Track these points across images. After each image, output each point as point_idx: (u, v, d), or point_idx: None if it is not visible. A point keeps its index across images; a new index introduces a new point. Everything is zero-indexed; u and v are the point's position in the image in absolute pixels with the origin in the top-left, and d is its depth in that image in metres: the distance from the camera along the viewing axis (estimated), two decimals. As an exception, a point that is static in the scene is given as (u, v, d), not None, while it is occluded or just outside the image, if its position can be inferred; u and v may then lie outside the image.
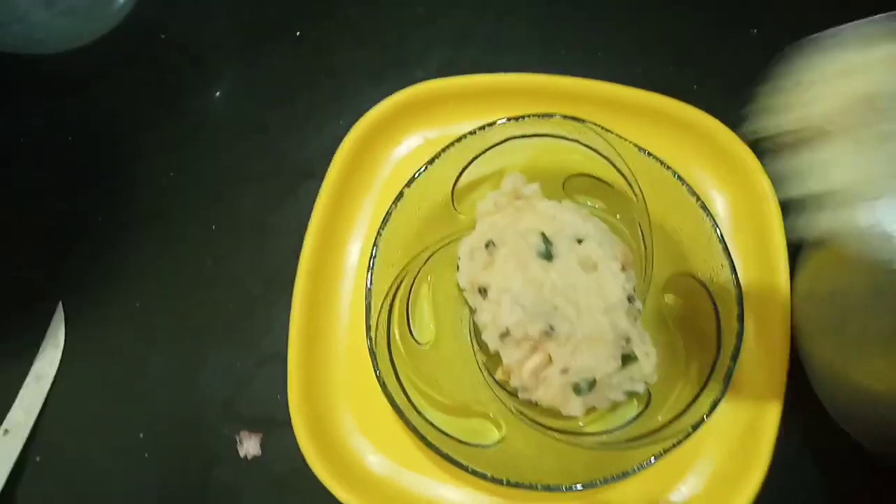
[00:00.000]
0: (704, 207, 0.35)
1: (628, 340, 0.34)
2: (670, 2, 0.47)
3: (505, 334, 0.35)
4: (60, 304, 0.44)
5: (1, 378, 0.43)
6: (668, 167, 0.36)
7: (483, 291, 0.36)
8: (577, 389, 0.34)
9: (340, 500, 0.37)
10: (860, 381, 0.31)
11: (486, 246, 0.37)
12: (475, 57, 0.47)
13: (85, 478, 0.41)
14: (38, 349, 0.43)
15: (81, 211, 0.46)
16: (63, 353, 0.43)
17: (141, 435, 0.42)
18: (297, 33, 0.49)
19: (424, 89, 0.42)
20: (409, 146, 0.43)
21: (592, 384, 0.34)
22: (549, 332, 0.34)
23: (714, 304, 0.35)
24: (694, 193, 0.36)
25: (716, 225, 0.35)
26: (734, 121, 0.40)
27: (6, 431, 0.41)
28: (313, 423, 0.38)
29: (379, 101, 0.43)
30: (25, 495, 0.41)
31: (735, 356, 0.33)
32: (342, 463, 0.38)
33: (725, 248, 0.35)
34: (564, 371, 0.34)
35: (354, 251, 0.42)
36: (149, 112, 0.48)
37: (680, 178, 0.36)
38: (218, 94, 0.48)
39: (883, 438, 0.33)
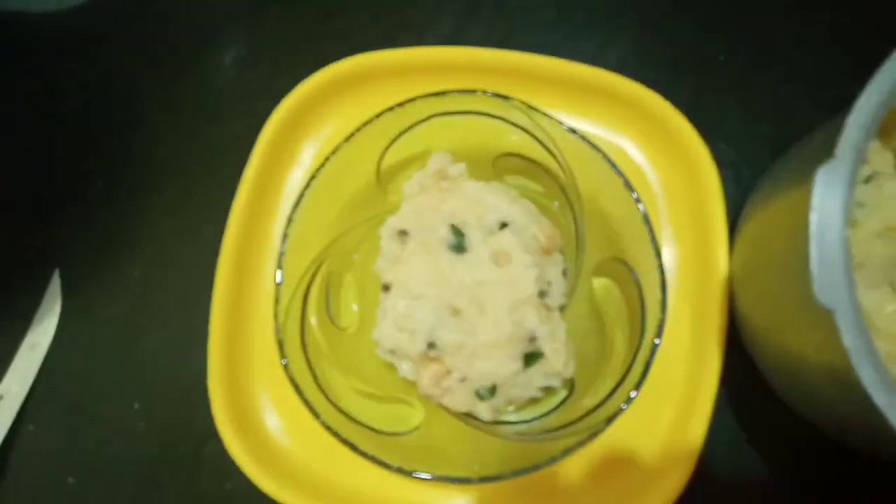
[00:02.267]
0: (629, 185, 0.33)
1: (534, 339, 0.33)
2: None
3: (392, 351, 0.34)
4: (57, 271, 0.43)
5: None
6: (594, 146, 0.34)
7: (386, 288, 0.35)
8: (479, 396, 0.33)
9: (259, 485, 0.36)
10: (798, 351, 0.30)
11: (399, 235, 0.35)
12: (489, 23, 0.44)
13: (79, 447, 0.41)
14: (33, 317, 0.43)
15: (80, 177, 0.45)
16: (59, 322, 0.43)
17: (136, 406, 0.41)
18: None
19: (353, 64, 0.40)
20: (338, 125, 0.42)
21: (493, 390, 0.33)
22: (431, 349, 0.33)
23: (640, 290, 0.34)
24: (621, 174, 0.34)
25: (639, 202, 0.33)
26: (670, 94, 0.38)
27: (0, 398, 0.41)
28: (232, 405, 0.38)
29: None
30: (19, 464, 0.41)
31: (655, 347, 0.32)
32: (262, 448, 0.38)
33: (650, 229, 0.33)
34: (463, 379, 0.33)
35: (278, 233, 0.41)
36: (151, 76, 0.46)
37: (605, 156, 0.34)
38: (225, 59, 0.46)
39: (820, 409, 0.31)
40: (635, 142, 0.39)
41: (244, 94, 0.45)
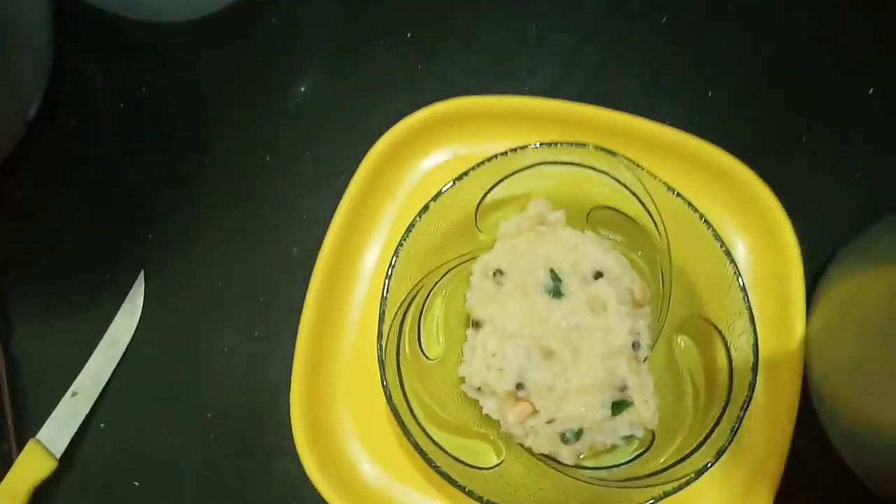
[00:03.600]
0: (728, 254, 0.35)
1: (624, 388, 0.34)
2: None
3: (479, 388, 0.36)
4: (142, 271, 0.44)
5: (75, 339, 0.43)
6: (696, 209, 0.36)
7: (476, 325, 0.36)
8: (564, 439, 0.34)
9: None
10: (881, 418, 0.31)
11: (494, 275, 0.37)
12: (586, 80, 0.45)
13: (147, 450, 0.41)
14: (114, 314, 0.43)
15: (172, 182, 0.46)
16: (139, 322, 0.43)
17: (209, 415, 0.41)
18: (408, 34, 0.47)
19: (459, 104, 0.42)
20: (437, 160, 0.43)
21: (579, 434, 0.34)
22: (520, 389, 0.34)
23: (728, 350, 0.35)
24: (718, 238, 0.35)
25: (738, 272, 0.35)
26: (763, 171, 0.40)
27: (74, 394, 0.41)
28: (311, 422, 0.38)
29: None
30: (86, 462, 0.42)
31: (745, 406, 0.33)
32: (336, 467, 0.38)
33: (746, 296, 0.34)
34: (550, 421, 0.34)
35: (371, 259, 0.42)
36: (250, 92, 0.47)
37: (706, 221, 0.36)
38: (319, 79, 0.47)
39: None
40: (721, 208, 0.41)
41: (341, 124, 0.46)
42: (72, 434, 0.41)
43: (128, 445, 0.42)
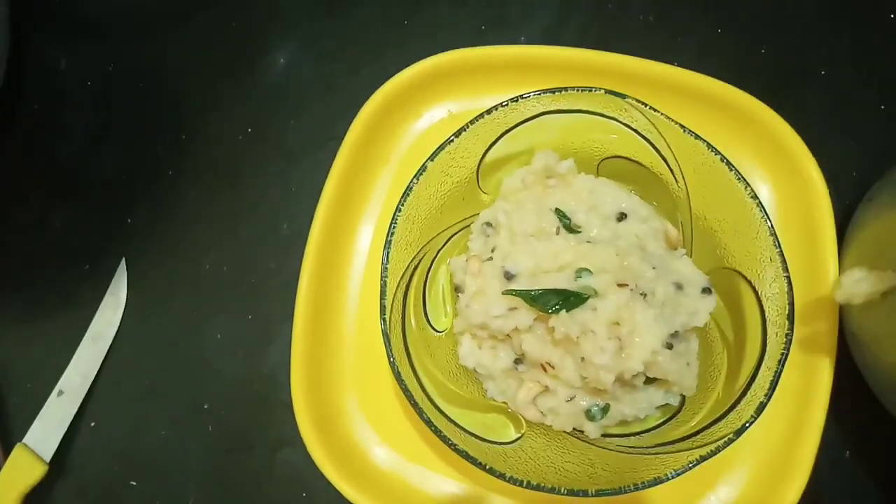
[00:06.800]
0: (754, 196, 0.32)
1: (670, 346, 0.31)
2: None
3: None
4: (123, 260, 0.41)
5: (58, 335, 0.40)
6: (716, 150, 0.33)
7: (458, 289, 0.34)
8: (589, 416, 0.31)
9: (343, 493, 0.34)
10: None
11: (486, 226, 0.35)
12: (583, 25, 0.42)
13: (142, 447, 0.39)
14: (97, 307, 0.40)
15: (150, 163, 0.43)
16: (124, 314, 0.40)
17: (205, 406, 0.39)
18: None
19: (451, 58, 0.39)
20: (432, 119, 0.40)
21: (606, 409, 0.31)
22: (519, 364, 0.32)
23: (759, 301, 0.32)
24: (742, 179, 0.33)
25: (766, 215, 0.32)
26: (781, 109, 0.37)
27: (61, 392, 0.39)
28: (316, 408, 0.36)
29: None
30: (78, 463, 0.39)
31: (783, 358, 0.30)
32: (345, 453, 0.36)
33: (776, 241, 0.32)
34: (571, 399, 0.31)
35: (367, 230, 0.39)
36: (225, 64, 0.44)
37: (728, 162, 0.33)
38: (306, 51, 0.44)
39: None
40: (739, 150, 0.38)
41: (325, 88, 0.43)
42: (60, 436, 0.38)
43: (121, 444, 0.39)
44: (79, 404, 0.39)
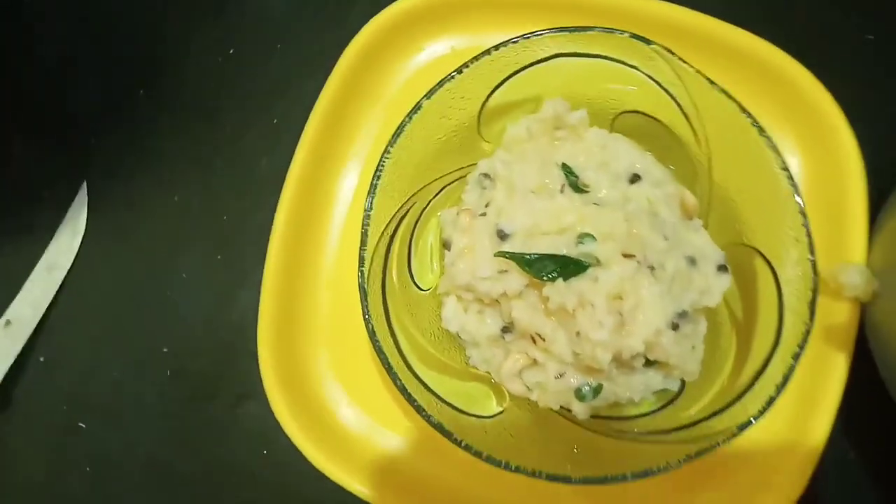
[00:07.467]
0: (785, 168, 0.29)
1: (676, 326, 0.28)
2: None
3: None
4: (84, 184, 0.38)
5: (9, 263, 0.37)
6: (748, 112, 0.29)
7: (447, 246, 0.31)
8: (579, 395, 0.28)
9: (305, 455, 0.31)
10: None
11: (483, 177, 0.31)
12: None
13: (94, 390, 0.36)
14: (53, 234, 0.37)
15: (120, 87, 0.39)
16: (82, 243, 0.37)
17: (165, 349, 0.36)
18: None
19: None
20: (431, 55, 0.37)
21: (598, 389, 0.28)
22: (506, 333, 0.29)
23: (777, 284, 0.29)
24: (774, 148, 0.29)
25: (797, 191, 0.29)
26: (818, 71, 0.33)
27: (8, 323, 0.36)
28: (283, 362, 0.33)
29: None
30: (24, 400, 0.37)
31: (800, 352, 0.27)
32: (311, 412, 0.33)
33: (805, 221, 0.28)
34: (560, 375, 0.28)
35: (352, 172, 0.36)
36: None
37: (760, 127, 0.29)
38: None
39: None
40: (768, 114, 0.34)
41: (316, 11, 0.39)
42: (5, 370, 0.35)
43: (72, 383, 0.36)
44: (27, 337, 0.36)
